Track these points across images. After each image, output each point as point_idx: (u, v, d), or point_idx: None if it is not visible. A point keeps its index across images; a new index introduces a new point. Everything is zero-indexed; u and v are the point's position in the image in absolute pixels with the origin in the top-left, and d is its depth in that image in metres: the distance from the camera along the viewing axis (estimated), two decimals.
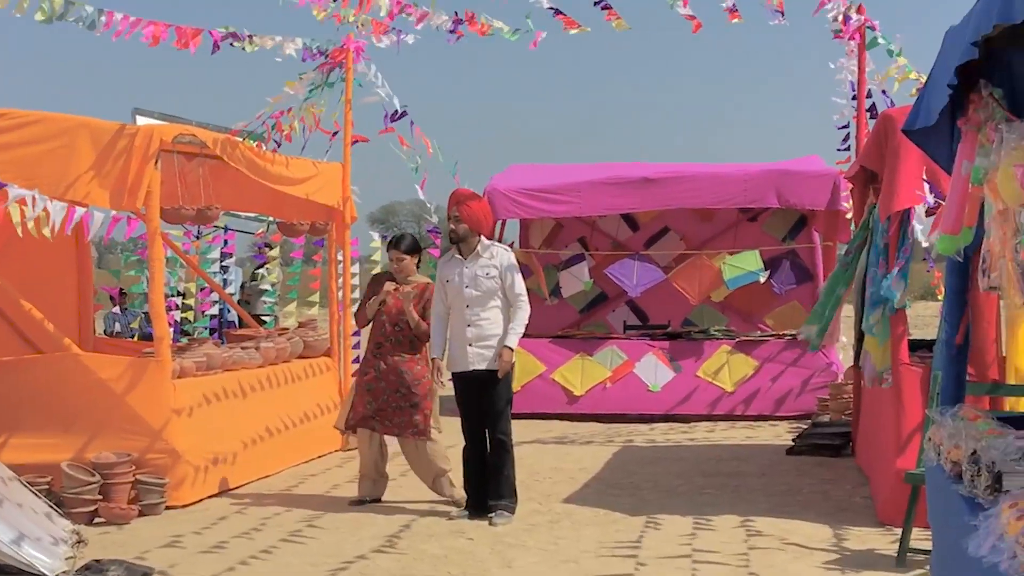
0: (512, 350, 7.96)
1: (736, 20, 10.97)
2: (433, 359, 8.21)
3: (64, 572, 6.16)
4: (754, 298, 14.49)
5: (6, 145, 8.27)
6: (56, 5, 9.52)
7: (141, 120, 11.04)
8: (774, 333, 13.98)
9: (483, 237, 8.17)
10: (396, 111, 12.06)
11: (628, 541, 7.29)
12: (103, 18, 10.04)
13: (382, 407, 8.42)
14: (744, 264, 13.46)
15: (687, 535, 7.44)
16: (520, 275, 8.14)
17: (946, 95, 4.24)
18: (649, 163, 14.87)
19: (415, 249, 8.67)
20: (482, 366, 7.99)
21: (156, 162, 8.42)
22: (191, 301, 15.33)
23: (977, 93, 4.31)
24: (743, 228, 14.99)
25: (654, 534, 7.50)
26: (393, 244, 8.62)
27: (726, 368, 13.35)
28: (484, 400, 8.04)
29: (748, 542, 7.24)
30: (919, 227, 7.41)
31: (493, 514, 7.93)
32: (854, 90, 11.80)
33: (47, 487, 7.76)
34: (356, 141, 11.42)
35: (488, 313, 8.03)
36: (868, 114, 11.58)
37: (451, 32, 11.34)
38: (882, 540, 7.22)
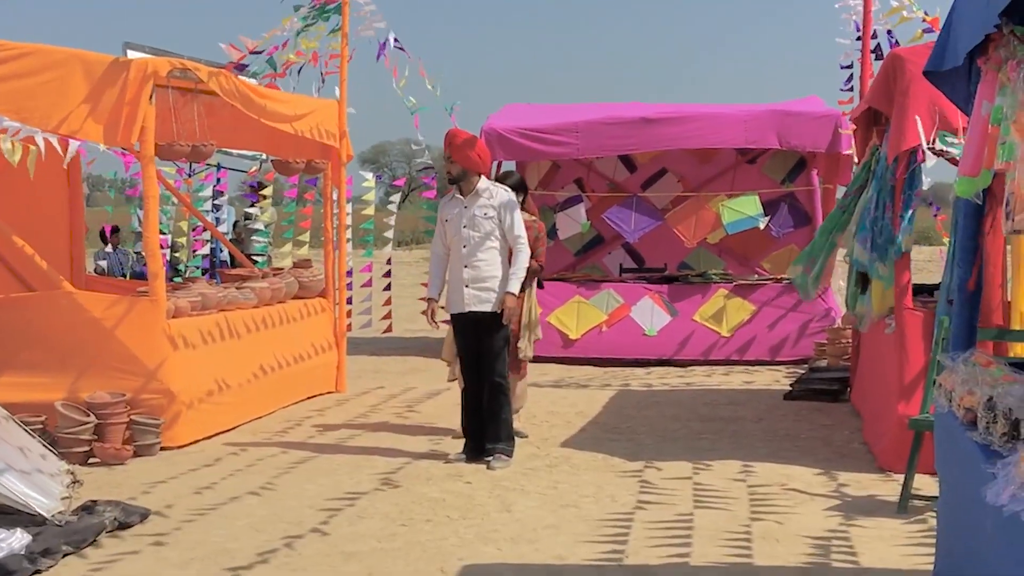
0: (515, 295, 7.87)
1: None
2: (428, 299, 8.13)
3: (60, 512, 6.10)
4: (751, 241, 14.39)
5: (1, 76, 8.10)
6: None
7: (132, 54, 10.86)
8: (772, 277, 13.89)
9: (483, 176, 8.03)
10: (389, 40, 11.92)
11: (626, 486, 7.24)
12: None
13: None
14: (743, 208, 13.35)
15: (684, 481, 7.39)
16: (519, 216, 7.98)
17: (978, 35, 4.11)
18: (647, 103, 14.72)
19: (521, 187, 8.55)
20: (478, 308, 7.90)
21: (151, 97, 8.25)
22: (183, 239, 15.20)
23: (998, 31, 4.19)
24: (742, 170, 14.87)
25: (652, 478, 7.45)
26: (500, 181, 8.44)
27: (723, 312, 13.27)
28: (481, 342, 7.96)
29: (748, 488, 7.20)
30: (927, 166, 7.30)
31: (491, 457, 7.88)
32: (859, 30, 11.63)
33: (41, 427, 7.69)
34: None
35: (485, 254, 7.91)
36: (873, 55, 11.42)
37: None
38: (883, 486, 7.19)
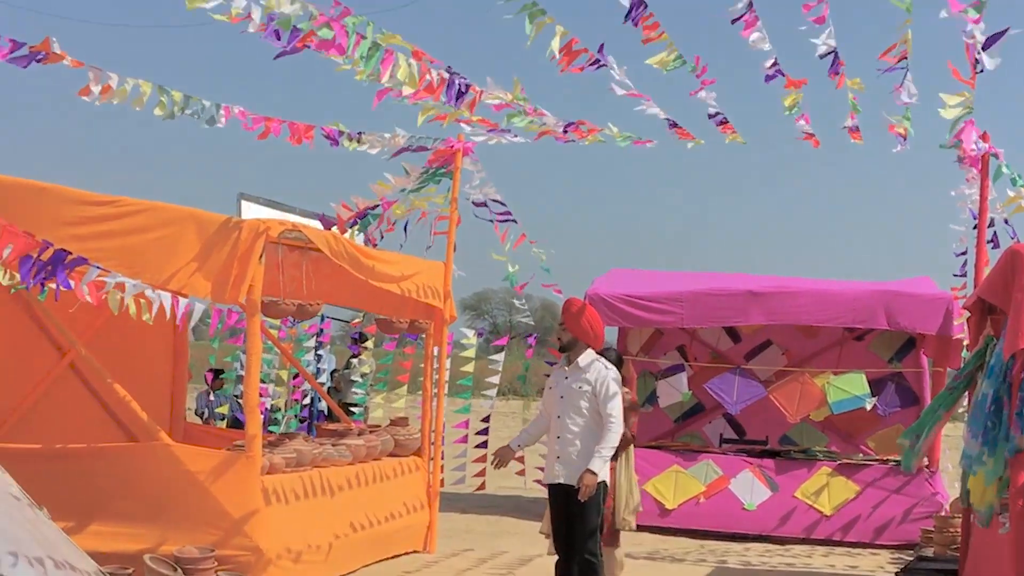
0: (595, 474, 7.62)
1: (857, 141, 10.72)
2: (506, 446, 8.14)
3: None
4: (857, 418, 14.01)
5: (113, 232, 8.32)
6: (176, 99, 9.64)
7: (246, 205, 11.14)
8: (877, 457, 13.50)
9: (589, 350, 7.97)
10: (503, 213, 12.11)
11: None
12: (221, 112, 10.16)
13: None
14: (850, 387, 13.08)
15: None
16: (618, 396, 7.83)
17: None
18: (753, 275, 14.62)
19: (618, 363, 8.55)
20: (565, 480, 7.77)
21: (261, 256, 8.40)
22: (282, 389, 15.35)
23: None
24: (848, 346, 14.59)
25: None
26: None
27: (826, 490, 12.90)
28: (572, 517, 7.79)
29: None
30: None
31: None
32: (975, 217, 11.47)
33: None
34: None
35: (575, 427, 7.80)
36: (989, 244, 11.26)
37: (563, 132, 11.25)
38: None
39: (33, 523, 6.55)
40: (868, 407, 13.15)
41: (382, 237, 12.12)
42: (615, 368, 8.04)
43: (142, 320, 7.72)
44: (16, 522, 6.33)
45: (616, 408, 7.78)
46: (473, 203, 12.16)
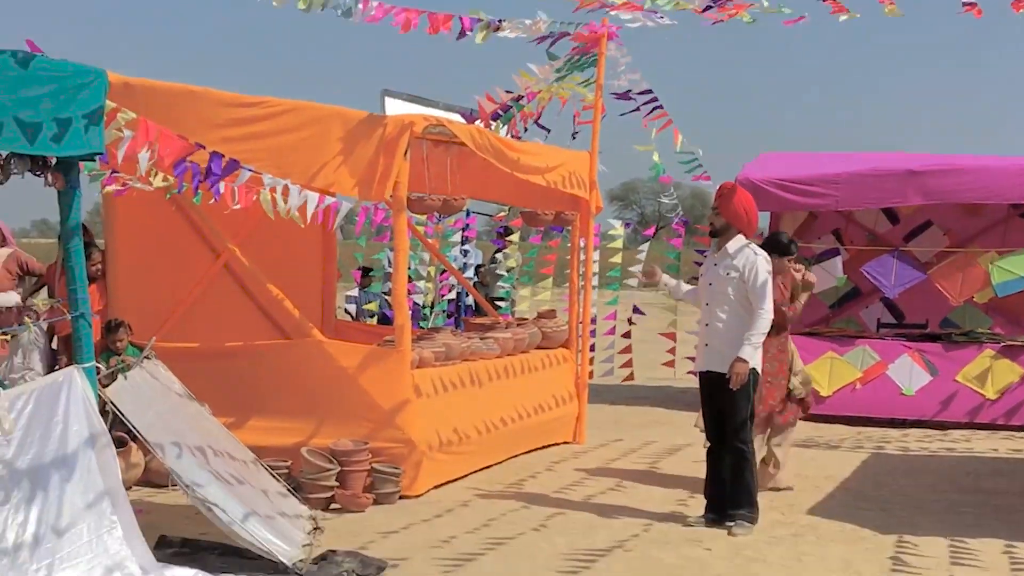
0: (746, 361, 7.50)
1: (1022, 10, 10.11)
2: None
3: (301, 560, 6.20)
4: (1022, 299, 13.51)
5: (261, 134, 8.38)
6: None
7: (389, 102, 11.15)
8: None
9: (740, 235, 7.79)
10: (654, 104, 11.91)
11: (877, 562, 6.83)
12: (359, 5, 10.13)
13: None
14: (1015, 268, 12.56)
15: (942, 560, 6.92)
16: (766, 280, 7.63)
17: None
18: (912, 153, 14.10)
19: (787, 250, 8.82)
20: (716, 369, 7.66)
21: (406, 152, 8.39)
22: (430, 285, 15.48)
23: None
24: (1014, 224, 13.98)
25: (906, 556, 7.00)
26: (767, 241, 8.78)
27: (989, 374, 12.52)
28: (722, 405, 7.71)
29: (1012, 570, 6.68)
30: None
31: (732, 523, 7.60)
32: None
33: (287, 471, 7.88)
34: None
35: (724, 315, 7.66)
36: None
37: (706, 9, 10.87)
38: None
39: (195, 418, 6.80)
40: None
41: (526, 130, 12.04)
42: (765, 253, 7.85)
43: (291, 219, 7.81)
44: (180, 417, 6.58)
45: (766, 294, 7.60)
46: (613, 95, 11.94)
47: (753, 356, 7.56)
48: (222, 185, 7.06)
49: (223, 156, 7.17)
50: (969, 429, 12.33)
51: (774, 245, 8.58)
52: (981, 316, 14.01)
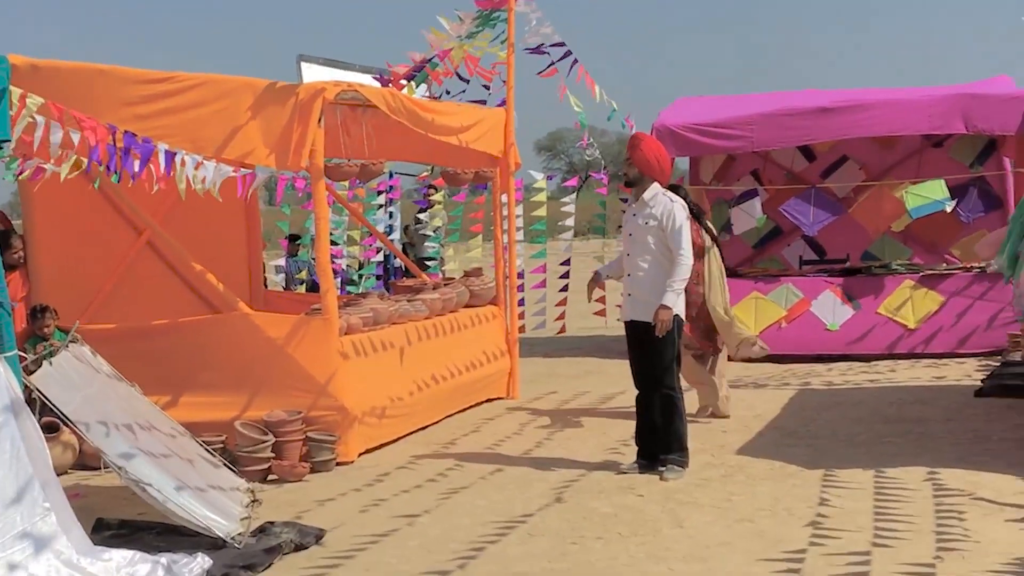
0: (669, 308, 7.63)
1: None
2: (595, 273, 8.32)
3: (239, 533, 6.25)
4: (939, 228, 13.81)
5: (173, 109, 8.32)
6: None
7: (306, 67, 11.07)
8: (961, 266, 13.32)
9: (655, 184, 7.90)
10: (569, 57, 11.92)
11: (805, 498, 7.02)
12: None
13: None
14: (929, 193, 12.85)
15: (866, 492, 7.12)
16: (685, 228, 7.76)
17: None
18: (824, 90, 14.29)
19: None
20: (641, 318, 7.78)
21: (320, 120, 8.37)
22: (356, 248, 15.47)
23: None
24: (927, 155, 14.28)
25: (832, 490, 7.20)
26: None
27: (909, 304, 12.81)
28: (647, 353, 7.84)
29: (934, 497, 6.89)
30: None
31: (663, 468, 7.75)
32: None
33: (222, 445, 7.91)
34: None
35: (645, 264, 7.78)
36: None
37: None
38: None
39: (124, 398, 6.79)
40: (948, 209, 12.93)
41: (448, 92, 12.00)
42: (681, 199, 7.97)
43: (212, 197, 7.78)
44: (108, 398, 6.57)
45: (685, 240, 7.72)
46: (527, 50, 11.94)
47: (676, 302, 7.69)
48: (136, 165, 7.02)
49: (136, 136, 7.13)
50: (892, 359, 12.62)
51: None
52: (900, 247, 14.32)
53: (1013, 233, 9.05)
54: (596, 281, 8.37)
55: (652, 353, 7.79)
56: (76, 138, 6.69)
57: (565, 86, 12.21)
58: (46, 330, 8.95)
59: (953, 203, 12.95)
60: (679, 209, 7.79)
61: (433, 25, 11.25)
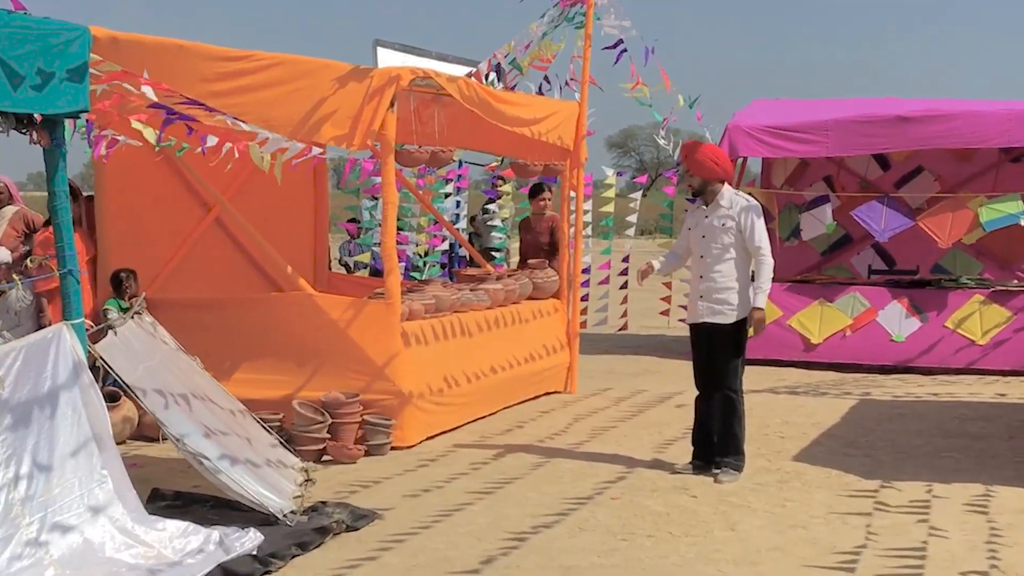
0: (762, 309, 7.66)
1: None
2: (649, 263, 8.04)
3: (292, 511, 6.30)
4: (1013, 243, 13.57)
5: (248, 87, 8.37)
6: None
7: (382, 52, 11.09)
8: None
9: (725, 185, 7.85)
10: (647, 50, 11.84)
11: (859, 508, 6.94)
12: None
13: None
14: (1004, 207, 12.61)
15: (923, 504, 7.02)
16: (761, 225, 7.73)
17: None
18: (903, 99, 14.09)
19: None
20: (711, 320, 7.74)
21: (392, 104, 8.40)
22: (423, 236, 15.51)
23: None
24: (1004, 169, 14.03)
25: (888, 501, 7.11)
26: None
27: (978, 319, 12.61)
28: (714, 355, 7.80)
29: (990, 515, 6.78)
30: None
31: (719, 471, 7.71)
32: None
33: (279, 424, 7.97)
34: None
35: (722, 266, 7.73)
36: None
37: None
38: None
39: (185, 371, 6.88)
40: (1023, 223, 12.69)
41: (515, 84, 11.99)
42: (756, 200, 7.92)
43: (281, 172, 7.85)
44: (169, 370, 6.67)
45: (765, 239, 7.72)
46: (603, 48, 11.91)
47: (763, 304, 7.69)
48: (212, 140, 7.09)
49: (205, 106, 7.19)
50: (957, 375, 12.43)
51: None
52: (971, 262, 14.09)
53: None
54: (649, 271, 8.05)
55: (719, 355, 7.76)
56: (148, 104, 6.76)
57: (639, 77, 12.13)
58: (128, 294, 9.07)
59: None
60: (756, 209, 7.75)
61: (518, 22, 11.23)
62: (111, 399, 8.15)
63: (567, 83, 12.05)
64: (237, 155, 7.11)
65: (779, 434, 9.19)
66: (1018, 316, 12.50)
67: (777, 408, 10.24)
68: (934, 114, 12.97)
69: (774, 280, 8.06)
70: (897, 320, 12.81)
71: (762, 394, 10.87)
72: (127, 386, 6.15)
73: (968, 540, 6.27)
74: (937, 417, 9.95)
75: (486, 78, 11.02)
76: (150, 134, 7.23)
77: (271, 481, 6.50)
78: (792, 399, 10.82)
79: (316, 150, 8.04)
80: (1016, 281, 13.43)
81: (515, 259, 14.89)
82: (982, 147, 13.22)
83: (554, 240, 11.36)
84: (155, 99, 6.84)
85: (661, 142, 13.86)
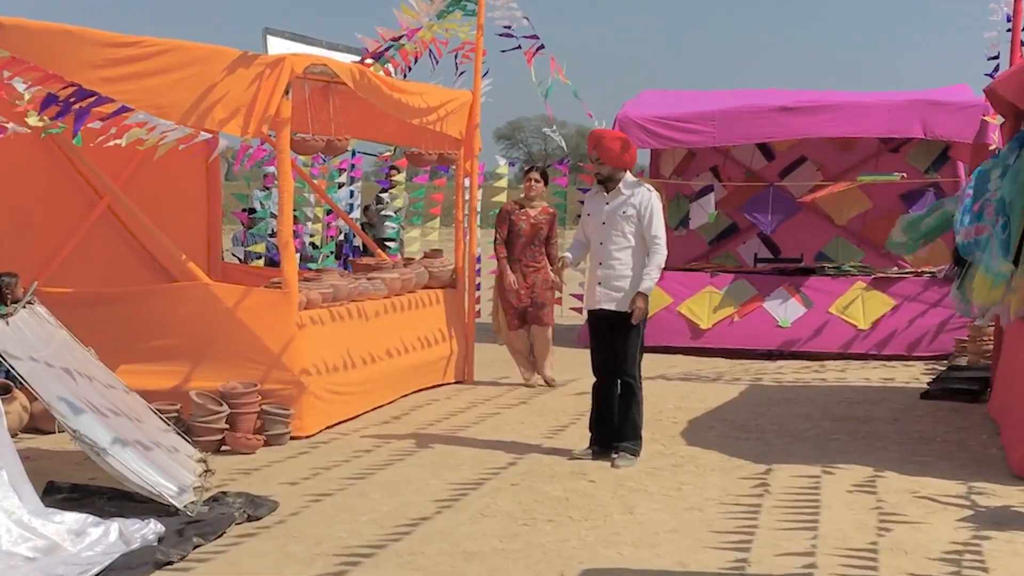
0: (645, 296, 7.75)
1: None
2: (563, 257, 8.15)
3: (192, 502, 6.24)
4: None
5: (139, 74, 8.25)
6: None
7: (272, 40, 11.02)
8: (913, 271, 13.51)
9: (628, 173, 7.95)
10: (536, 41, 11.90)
11: (752, 490, 7.12)
12: None
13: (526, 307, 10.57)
14: (881, 178, 13.20)
15: (812, 486, 7.23)
16: (660, 217, 7.85)
17: None
18: (787, 90, 14.43)
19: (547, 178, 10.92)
20: (609, 306, 7.83)
21: (287, 91, 8.35)
22: (318, 226, 15.41)
23: None
24: (884, 158, 14.51)
25: (779, 483, 7.31)
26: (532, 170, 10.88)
27: (861, 305, 12.98)
28: (612, 341, 7.89)
29: (878, 495, 7.01)
30: None
31: (616, 455, 7.81)
32: (1009, 21, 11.21)
33: (176, 415, 7.88)
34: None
35: (620, 254, 7.82)
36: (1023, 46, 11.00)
37: None
38: (1020, 496, 6.93)
39: (80, 362, 6.76)
40: (898, 179, 13.28)
41: (410, 69, 11.97)
42: (655, 190, 8.04)
43: (173, 161, 7.76)
44: (64, 360, 6.53)
45: (661, 229, 7.82)
46: (498, 35, 11.96)
47: (649, 290, 7.77)
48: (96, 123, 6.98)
49: (91, 92, 7.07)
50: (843, 359, 12.78)
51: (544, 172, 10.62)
52: (853, 249, 14.53)
53: (926, 216, 9.17)
54: (566, 265, 8.23)
55: (620, 341, 7.84)
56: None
57: (531, 63, 12.22)
58: (9, 296, 8.85)
59: (902, 175, 13.30)
60: (656, 199, 7.87)
61: (404, 3, 11.21)
62: (3, 391, 7.98)
63: (458, 75, 12.08)
64: (115, 132, 6.97)
65: (672, 419, 9.37)
66: (901, 304, 12.90)
67: (669, 394, 10.43)
68: (817, 104, 13.33)
69: (665, 268, 8.19)
70: (783, 306, 13.12)
71: (655, 381, 11.04)
72: (19, 375, 6.02)
73: (857, 519, 6.47)
74: (824, 401, 10.22)
75: (376, 58, 10.99)
76: (34, 119, 7.09)
77: (162, 465, 6.40)
78: (684, 385, 11.02)
79: (205, 135, 7.96)
80: (896, 268, 13.85)
81: (410, 248, 14.84)
82: (863, 137, 13.61)
83: (551, 233, 10.80)
84: (25, 92, 6.69)
85: (550, 134, 13.98)
